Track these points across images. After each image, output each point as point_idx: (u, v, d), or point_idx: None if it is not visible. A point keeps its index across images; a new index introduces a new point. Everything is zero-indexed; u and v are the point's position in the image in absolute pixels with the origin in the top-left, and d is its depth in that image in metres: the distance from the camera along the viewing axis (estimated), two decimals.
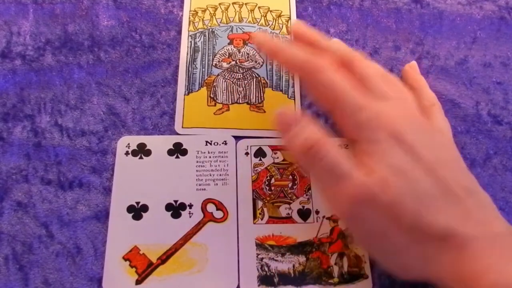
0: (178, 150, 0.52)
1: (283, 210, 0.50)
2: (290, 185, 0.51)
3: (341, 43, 0.51)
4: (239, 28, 0.60)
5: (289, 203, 0.50)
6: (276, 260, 0.47)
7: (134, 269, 0.46)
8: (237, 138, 0.53)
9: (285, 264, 0.47)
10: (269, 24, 0.60)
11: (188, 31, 0.59)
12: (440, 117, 0.49)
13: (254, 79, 0.57)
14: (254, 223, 0.49)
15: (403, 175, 0.40)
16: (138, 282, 0.46)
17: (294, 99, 0.56)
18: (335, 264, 0.47)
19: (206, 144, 0.52)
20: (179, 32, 0.59)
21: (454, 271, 0.39)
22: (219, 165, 0.52)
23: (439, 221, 0.39)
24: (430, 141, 0.43)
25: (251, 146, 0.53)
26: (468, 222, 0.40)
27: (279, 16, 0.61)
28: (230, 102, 0.55)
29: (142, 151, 0.52)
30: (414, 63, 0.57)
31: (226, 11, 0.61)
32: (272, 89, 0.56)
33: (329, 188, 0.43)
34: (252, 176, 0.51)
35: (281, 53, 0.48)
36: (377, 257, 0.45)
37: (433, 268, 0.41)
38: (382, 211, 0.40)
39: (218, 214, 0.49)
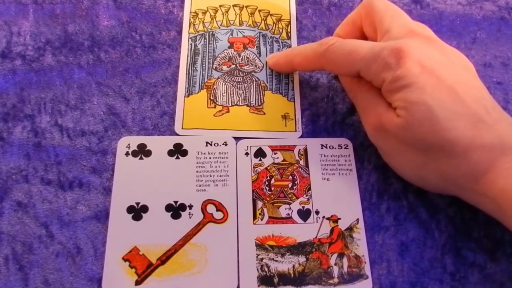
0: (178, 151, 0.52)
1: (283, 211, 0.50)
2: (290, 185, 0.51)
3: None
4: (240, 31, 0.60)
5: (289, 204, 0.50)
6: (276, 261, 0.47)
7: (133, 270, 0.46)
8: (237, 139, 0.53)
9: (285, 264, 0.47)
10: (269, 28, 0.61)
11: (189, 33, 0.59)
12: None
13: (254, 83, 0.57)
14: (254, 224, 0.49)
15: (420, 103, 0.43)
16: (137, 282, 0.46)
17: (294, 102, 0.56)
18: (335, 264, 0.47)
19: (207, 145, 0.52)
20: (179, 33, 0.59)
21: (472, 183, 0.43)
22: (219, 166, 0.52)
23: (457, 137, 0.42)
24: (451, 65, 0.46)
25: (251, 146, 0.53)
26: (486, 136, 0.42)
27: (279, 20, 0.61)
28: (230, 104, 0.55)
29: (142, 151, 0.52)
30: None
31: (226, 14, 0.61)
32: (272, 92, 0.56)
33: (361, 115, 0.50)
34: (252, 177, 0.51)
35: (296, 57, 0.54)
36: (401, 173, 0.50)
37: (453, 183, 0.45)
38: (398, 138, 0.46)
39: (218, 215, 0.49)
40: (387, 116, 0.46)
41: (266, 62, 0.58)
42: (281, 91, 0.56)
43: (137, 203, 0.49)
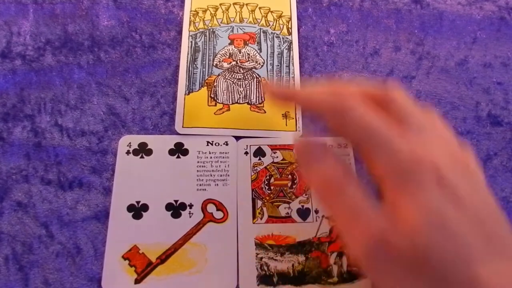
0: (179, 150, 0.52)
1: (282, 210, 0.50)
2: (289, 184, 0.51)
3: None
4: (240, 28, 0.60)
5: (289, 203, 0.50)
6: (275, 260, 0.47)
7: (133, 268, 0.46)
8: (237, 138, 0.53)
9: (285, 263, 0.47)
10: (269, 25, 0.60)
11: (189, 31, 0.59)
12: (473, 157, 0.41)
13: (255, 80, 0.57)
14: (254, 223, 0.49)
15: (442, 223, 0.34)
16: (137, 281, 0.46)
17: None
18: (335, 263, 0.47)
19: (207, 145, 0.53)
20: (179, 32, 0.59)
21: None
22: (220, 166, 0.52)
23: (476, 273, 0.32)
24: (472, 185, 0.37)
25: (250, 145, 0.53)
26: (507, 273, 0.33)
27: (280, 16, 0.61)
28: (231, 102, 0.55)
29: (143, 150, 0.52)
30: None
31: (226, 11, 0.61)
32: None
33: (345, 227, 0.37)
34: (251, 176, 0.51)
35: (299, 95, 0.42)
36: None
37: None
38: (404, 260, 0.34)
39: (218, 215, 0.49)
40: (392, 225, 0.35)
41: (267, 59, 0.58)
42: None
43: (138, 202, 0.49)
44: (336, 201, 0.37)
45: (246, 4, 0.62)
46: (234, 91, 0.56)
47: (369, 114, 0.38)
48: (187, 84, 0.56)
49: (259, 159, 0.52)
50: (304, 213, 0.50)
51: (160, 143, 0.53)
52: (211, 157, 0.52)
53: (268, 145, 0.53)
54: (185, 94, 0.55)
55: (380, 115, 0.39)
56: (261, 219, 0.49)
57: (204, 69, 0.57)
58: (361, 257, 0.35)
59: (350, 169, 0.40)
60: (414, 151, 0.36)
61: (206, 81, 0.56)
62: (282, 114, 0.55)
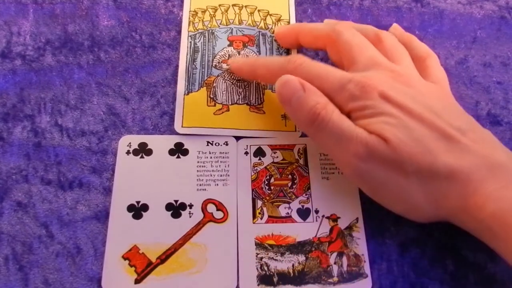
0: (179, 150, 0.52)
1: (282, 210, 0.50)
2: (289, 184, 0.51)
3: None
4: (239, 30, 0.60)
5: (289, 203, 0.50)
6: (275, 260, 0.47)
7: (133, 268, 0.46)
8: (237, 138, 0.53)
9: (285, 263, 0.47)
10: (268, 28, 0.60)
11: (188, 31, 0.59)
12: (436, 68, 0.51)
13: (254, 81, 0.56)
14: (254, 223, 0.49)
15: (398, 126, 0.43)
16: (137, 281, 0.46)
17: None
18: (335, 263, 0.47)
19: (208, 145, 0.53)
20: (179, 32, 0.59)
21: (461, 205, 0.43)
22: (220, 166, 0.52)
23: (438, 161, 0.42)
24: (419, 95, 0.46)
25: (250, 145, 0.53)
26: (467, 157, 0.43)
27: (279, 20, 0.61)
28: (230, 103, 0.55)
29: (143, 150, 0.52)
30: (396, 25, 0.57)
31: (226, 13, 0.61)
32: (272, 91, 0.56)
33: (335, 150, 0.47)
34: (251, 176, 0.51)
35: (260, 67, 0.53)
36: (389, 206, 0.47)
37: (443, 206, 0.44)
38: (386, 163, 0.44)
39: (218, 215, 0.49)
40: (372, 140, 0.44)
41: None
42: None
43: (138, 202, 0.49)
44: (324, 130, 0.46)
45: (245, 6, 0.62)
46: (233, 91, 0.56)
47: (317, 64, 0.48)
48: (186, 84, 0.56)
49: (259, 159, 0.52)
50: (304, 213, 0.50)
51: (160, 143, 0.53)
52: (211, 157, 0.52)
53: (268, 145, 0.53)
54: (184, 94, 0.55)
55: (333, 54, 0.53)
56: (261, 219, 0.49)
57: (203, 70, 0.57)
58: (355, 166, 0.45)
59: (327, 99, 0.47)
60: (358, 81, 0.45)
61: (206, 81, 0.56)
62: (282, 115, 0.55)
